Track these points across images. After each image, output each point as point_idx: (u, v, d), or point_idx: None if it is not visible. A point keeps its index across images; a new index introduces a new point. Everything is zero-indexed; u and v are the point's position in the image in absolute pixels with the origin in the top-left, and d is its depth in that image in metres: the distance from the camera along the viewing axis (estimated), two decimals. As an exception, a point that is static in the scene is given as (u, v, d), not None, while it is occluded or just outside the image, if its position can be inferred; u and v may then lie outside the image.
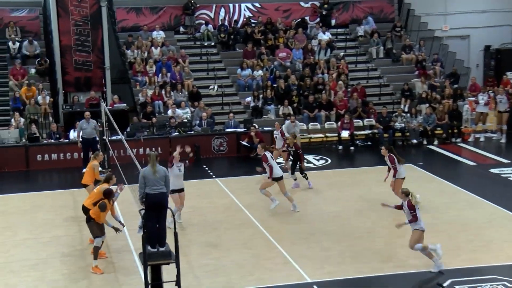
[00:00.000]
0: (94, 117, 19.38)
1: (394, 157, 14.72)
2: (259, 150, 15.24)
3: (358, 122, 22.89)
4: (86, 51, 22.97)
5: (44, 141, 20.39)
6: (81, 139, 19.18)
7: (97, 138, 19.03)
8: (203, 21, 26.83)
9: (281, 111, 23.43)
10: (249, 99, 23.97)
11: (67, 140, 20.53)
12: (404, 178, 14.69)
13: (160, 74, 24.23)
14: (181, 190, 14.12)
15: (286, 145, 17.61)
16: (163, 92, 23.48)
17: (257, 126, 21.35)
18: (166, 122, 21.73)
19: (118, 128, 17.56)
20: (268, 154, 14.94)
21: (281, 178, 14.84)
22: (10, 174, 19.22)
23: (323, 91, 24.07)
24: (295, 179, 16.91)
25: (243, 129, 21.73)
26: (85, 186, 14.52)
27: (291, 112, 22.95)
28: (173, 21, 26.82)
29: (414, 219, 11.53)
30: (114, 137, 19.58)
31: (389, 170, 14.93)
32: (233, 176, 18.41)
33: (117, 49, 24.63)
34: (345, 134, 21.92)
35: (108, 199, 12.11)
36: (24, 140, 20.28)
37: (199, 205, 15.45)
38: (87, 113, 19.17)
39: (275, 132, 18.82)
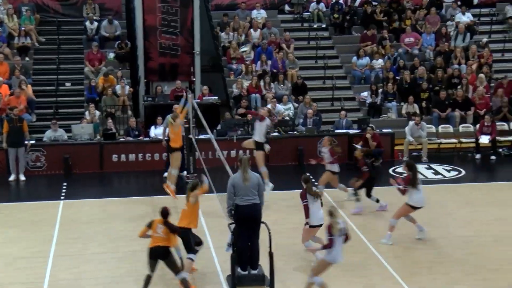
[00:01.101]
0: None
1: None
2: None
3: (502, 126, 22.43)
4: (173, 33, 23.74)
5: (121, 139, 21.29)
6: (166, 138, 19.88)
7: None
8: (314, -2, 27.11)
9: (405, 110, 23.28)
10: (365, 94, 23.99)
11: (148, 138, 21.32)
12: None
13: (259, 62, 24.69)
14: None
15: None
16: (261, 83, 23.91)
17: (374, 127, 21.35)
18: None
19: (207, 125, 18.08)
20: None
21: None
22: (81, 176, 20.22)
23: (459, 86, 23.70)
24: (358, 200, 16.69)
25: (357, 130, 21.79)
26: None
27: (417, 112, 22.76)
28: (278, -3, 27.32)
29: None
30: (202, 136, 20.17)
31: None
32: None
33: (209, 31, 25.30)
34: (485, 139, 21.54)
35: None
36: (98, 137, 21.28)
37: (301, 221, 15.62)
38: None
39: (322, 149, 17.41)
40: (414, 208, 14.51)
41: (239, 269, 11.79)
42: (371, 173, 16.63)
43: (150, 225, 12.09)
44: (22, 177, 19.70)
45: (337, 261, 11.65)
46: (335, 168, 16.83)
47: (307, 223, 13.30)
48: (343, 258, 11.71)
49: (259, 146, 17.80)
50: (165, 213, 11.99)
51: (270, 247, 11.65)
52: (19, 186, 19.33)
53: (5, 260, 13.75)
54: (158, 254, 11.93)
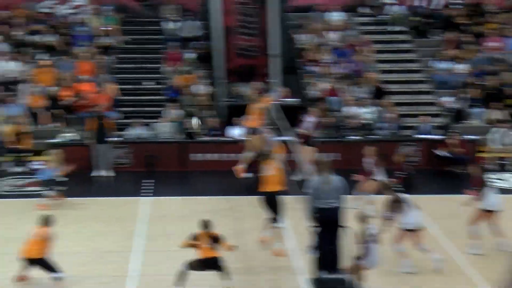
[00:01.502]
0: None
1: None
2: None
3: None
4: (251, 35, 23.97)
5: (202, 138, 21.69)
6: None
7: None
8: (393, 0, 26.94)
9: (489, 116, 22.97)
10: (447, 99, 23.76)
11: (226, 138, 21.69)
12: None
13: (337, 64, 24.72)
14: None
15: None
16: (339, 86, 23.96)
17: (459, 133, 21.20)
18: (342, 123, 22.18)
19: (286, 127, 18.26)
20: None
21: None
22: (163, 173, 20.70)
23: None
24: None
25: (439, 136, 21.62)
26: None
27: (503, 118, 22.45)
28: (356, -1, 27.28)
29: None
30: (280, 138, 20.37)
31: None
32: (426, 194, 18.00)
33: (286, 33, 25.44)
34: None
35: None
36: (179, 136, 21.75)
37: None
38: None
39: (366, 160, 17.17)
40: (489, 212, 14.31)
41: (320, 272, 11.92)
42: (407, 179, 16.33)
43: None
44: (106, 173, 20.33)
45: (374, 266, 11.98)
46: (379, 176, 16.61)
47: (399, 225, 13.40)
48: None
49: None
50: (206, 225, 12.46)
51: (352, 252, 11.76)
52: (103, 182, 19.91)
53: (92, 253, 14.22)
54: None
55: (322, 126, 20.24)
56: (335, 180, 11.98)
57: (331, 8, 26.61)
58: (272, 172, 14.17)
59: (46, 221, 12.74)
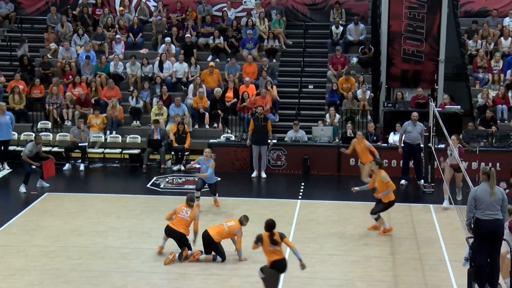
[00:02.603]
0: (421, 120, 19.74)
1: None
2: None
3: None
4: (418, 40, 23.46)
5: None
6: (403, 144, 19.74)
7: (422, 145, 19.38)
8: None
9: None
10: None
11: (386, 144, 21.25)
12: None
13: (508, 71, 23.67)
14: None
15: None
16: (509, 94, 22.91)
17: None
18: (510, 132, 21.17)
19: (448, 135, 17.64)
20: None
21: None
22: (318, 177, 20.61)
23: None
24: None
25: None
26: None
27: None
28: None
29: None
30: (441, 145, 19.73)
31: None
32: None
33: (456, 38, 24.68)
34: None
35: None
36: (337, 140, 21.55)
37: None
38: (415, 114, 19.56)
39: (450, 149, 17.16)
40: None
41: (476, 286, 11.37)
42: None
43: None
44: (263, 174, 20.48)
45: None
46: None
47: None
48: None
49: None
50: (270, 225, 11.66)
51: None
52: (260, 183, 20.07)
53: (246, 254, 14.27)
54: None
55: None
56: (498, 191, 11.40)
57: (506, 14, 25.46)
58: None
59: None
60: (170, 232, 13.96)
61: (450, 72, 24.64)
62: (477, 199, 11.44)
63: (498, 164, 19.80)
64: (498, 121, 22.14)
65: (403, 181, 19.69)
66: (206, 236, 13.90)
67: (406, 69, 23.69)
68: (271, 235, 11.54)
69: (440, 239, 15.18)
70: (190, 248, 13.98)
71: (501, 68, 23.91)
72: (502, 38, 24.76)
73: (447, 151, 17.54)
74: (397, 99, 23.09)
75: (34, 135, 20.10)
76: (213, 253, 13.92)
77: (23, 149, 19.49)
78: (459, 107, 22.18)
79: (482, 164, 19.13)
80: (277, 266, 11.59)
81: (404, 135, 19.70)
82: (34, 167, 18.72)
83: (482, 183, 11.61)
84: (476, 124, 22.04)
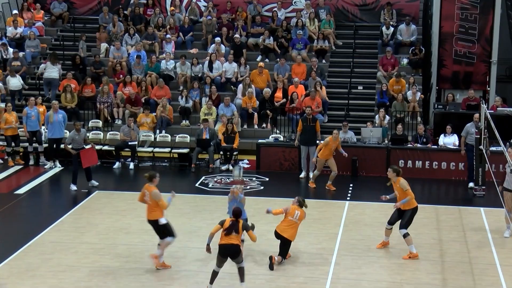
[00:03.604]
0: (471, 122, 19.47)
1: None
2: None
3: None
4: (470, 41, 23.20)
5: (409, 145, 21.17)
6: (465, 148, 19.53)
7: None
8: None
9: None
10: None
11: (436, 146, 21.01)
12: None
13: (561, 74, 23.20)
14: None
15: None
16: None
17: None
18: None
19: (500, 137, 17.33)
20: None
21: None
22: (367, 178, 20.47)
23: None
24: None
25: None
26: None
27: None
28: None
29: None
30: (493, 148, 19.43)
31: None
32: None
33: (509, 40, 24.32)
34: None
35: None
36: (386, 142, 21.37)
37: None
38: (477, 115, 19.27)
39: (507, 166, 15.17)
40: None
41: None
42: None
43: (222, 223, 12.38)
44: (312, 175, 20.39)
45: None
46: None
47: None
48: None
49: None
50: (236, 213, 12.34)
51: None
52: (308, 184, 19.99)
53: (291, 253, 14.27)
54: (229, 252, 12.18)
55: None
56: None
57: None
58: None
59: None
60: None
61: (503, 74, 24.29)
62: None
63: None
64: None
65: (471, 184, 19.31)
66: (284, 239, 13.70)
67: (457, 70, 23.44)
68: (234, 222, 12.24)
69: (490, 243, 14.94)
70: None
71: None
72: (557, 40, 24.29)
73: (505, 169, 15.50)
74: (448, 101, 22.80)
75: (73, 122, 19.90)
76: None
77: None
78: (511, 109, 21.80)
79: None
80: (222, 250, 12.17)
81: (467, 137, 19.43)
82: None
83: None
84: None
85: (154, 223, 13.40)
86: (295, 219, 13.76)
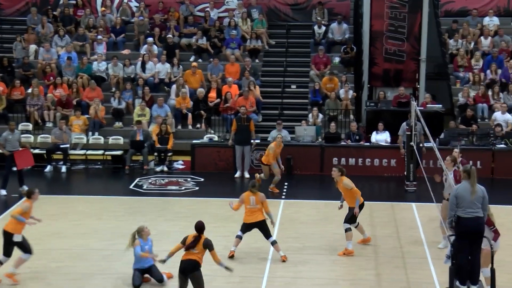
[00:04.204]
0: (404, 119, 19.80)
1: None
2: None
3: None
4: (400, 39, 23.56)
5: (342, 143, 21.43)
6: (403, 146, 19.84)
7: (421, 144, 19.42)
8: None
9: None
10: None
11: (368, 143, 21.30)
12: None
13: (488, 71, 23.78)
14: None
15: None
16: (489, 93, 23.02)
17: None
18: (490, 130, 21.28)
19: (430, 133, 17.71)
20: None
21: None
22: (302, 176, 20.63)
23: None
24: None
25: None
26: None
27: None
28: (513, 4, 26.21)
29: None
30: (424, 144, 19.82)
31: None
32: None
33: (437, 38, 24.79)
34: None
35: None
36: (320, 140, 21.58)
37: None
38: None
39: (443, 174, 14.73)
40: None
41: (457, 283, 11.41)
42: None
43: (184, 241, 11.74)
44: (247, 175, 20.47)
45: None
46: None
47: None
48: None
49: None
50: (199, 227, 11.73)
51: (492, 263, 11.16)
52: (243, 183, 20.05)
53: (223, 253, 14.24)
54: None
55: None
56: (480, 189, 11.45)
57: (486, 13, 25.60)
58: None
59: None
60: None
61: (432, 71, 24.73)
62: (458, 197, 11.49)
63: (478, 162, 19.93)
64: (479, 120, 22.26)
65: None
66: (255, 224, 13.88)
67: (388, 68, 23.77)
68: (197, 238, 11.60)
69: (422, 238, 15.23)
70: None
71: (481, 67, 24.03)
72: (482, 38, 24.88)
73: (442, 177, 14.90)
74: (379, 99, 23.16)
75: (8, 123, 19.47)
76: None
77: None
78: (440, 106, 22.32)
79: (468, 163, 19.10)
80: (180, 265, 11.52)
81: (404, 135, 19.72)
82: (14, 168, 18.52)
83: (463, 182, 11.66)
84: (457, 123, 22.15)
85: (7, 235, 12.82)
86: (254, 205, 13.88)
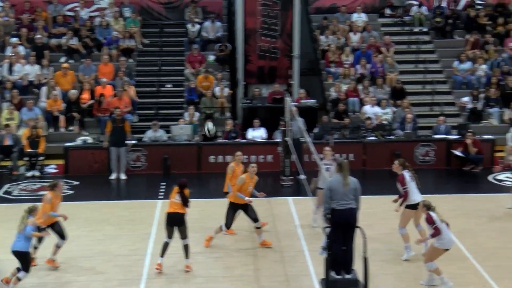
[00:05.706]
0: (279, 115, 20.06)
1: None
2: (396, 167, 13.86)
3: None
4: (273, 36, 23.88)
5: (219, 140, 21.50)
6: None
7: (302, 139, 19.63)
8: (416, 2, 26.68)
9: (507, 116, 22.66)
10: (466, 99, 23.43)
11: (245, 140, 21.48)
12: None
13: (358, 65, 24.46)
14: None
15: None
16: (360, 87, 23.69)
17: (474, 133, 21.00)
18: (361, 123, 21.92)
19: (307, 129, 18.08)
20: (407, 175, 13.71)
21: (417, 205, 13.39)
22: (179, 176, 20.35)
23: None
24: None
25: (456, 136, 21.51)
26: None
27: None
28: (379, 1, 26.99)
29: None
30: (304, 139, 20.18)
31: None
32: (441, 194, 18.07)
33: (308, 34, 25.28)
34: None
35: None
36: (197, 138, 21.56)
37: (395, 226, 15.36)
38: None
39: (324, 162, 15.30)
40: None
41: (333, 273, 11.69)
42: None
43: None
44: (123, 176, 20.20)
45: (450, 246, 12.22)
46: None
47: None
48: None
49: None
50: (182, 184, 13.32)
51: (365, 252, 11.50)
52: (119, 185, 19.77)
53: (104, 256, 14.04)
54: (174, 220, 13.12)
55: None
56: (352, 181, 11.73)
57: (354, 10, 26.34)
58: None
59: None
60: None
61: (304, 67, 25.18)
62: (332, 189, 11.78)
63: (352, 155, 20.51)
64: (350, 114, 22.88)
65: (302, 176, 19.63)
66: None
67: (262, 65, 24.05)
68: (180, 192, 13.28)
69: (298, 231, 15.49)
70: None
71: (351, 62, 24.69)
72: (351, 33, 25.57)
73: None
74: (255, 96, 23.39)
75: None
76: None
77: None
78: (314, 101, 22.77)
79: (337, 155, 19.53)
80: (168, 218, 13.21)
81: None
82: None
83: (336, 174, 11.97)
84: (330, 117, 22.68)
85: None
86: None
